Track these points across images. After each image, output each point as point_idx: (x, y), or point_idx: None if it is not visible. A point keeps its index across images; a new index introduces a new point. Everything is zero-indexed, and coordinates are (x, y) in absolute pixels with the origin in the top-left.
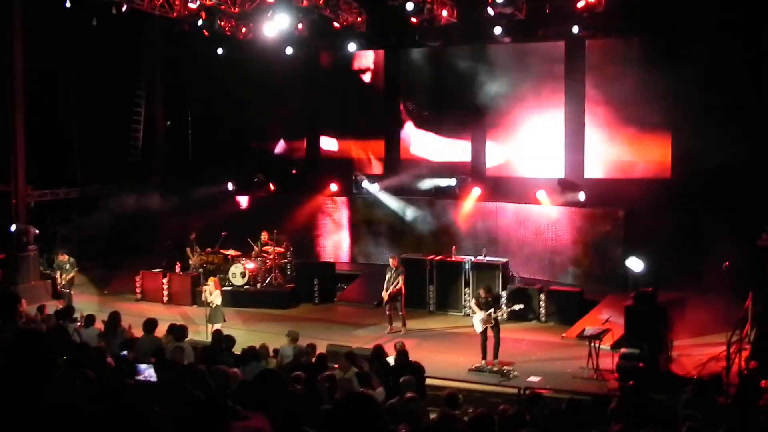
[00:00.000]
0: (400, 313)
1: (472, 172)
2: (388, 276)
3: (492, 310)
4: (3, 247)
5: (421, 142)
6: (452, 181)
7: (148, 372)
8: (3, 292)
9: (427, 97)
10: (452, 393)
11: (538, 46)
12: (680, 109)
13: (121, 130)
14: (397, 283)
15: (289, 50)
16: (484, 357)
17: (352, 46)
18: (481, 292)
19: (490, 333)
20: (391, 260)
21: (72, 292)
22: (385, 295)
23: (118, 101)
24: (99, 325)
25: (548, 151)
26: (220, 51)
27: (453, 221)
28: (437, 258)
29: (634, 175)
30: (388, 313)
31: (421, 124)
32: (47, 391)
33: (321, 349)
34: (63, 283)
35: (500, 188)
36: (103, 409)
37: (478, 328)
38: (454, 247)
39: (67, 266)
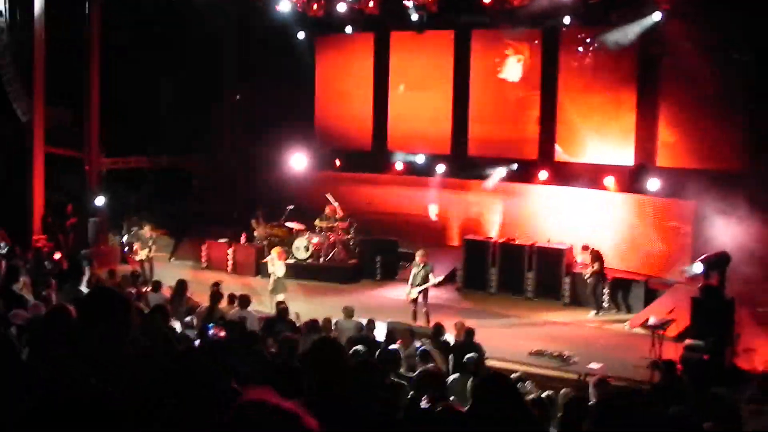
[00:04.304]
0: (423, 310)
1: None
2: (414, 271)
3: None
4: (75, 213)
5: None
6: (514, 166)
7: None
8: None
9: None
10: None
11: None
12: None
13: (192, 103)
14: (426, 281)
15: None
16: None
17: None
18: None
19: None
20: (418, 256)
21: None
22: (414, 293)
23: (190, 74)
24: (166, 291)
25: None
26: (301, 35)
27: (518, 205)
28: (500, 240)
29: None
30: (414, 309)
31: None
32: (124, 345)
33: (380, 325)
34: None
35: (567, 173)
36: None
37: None
38: (517, 233)
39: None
